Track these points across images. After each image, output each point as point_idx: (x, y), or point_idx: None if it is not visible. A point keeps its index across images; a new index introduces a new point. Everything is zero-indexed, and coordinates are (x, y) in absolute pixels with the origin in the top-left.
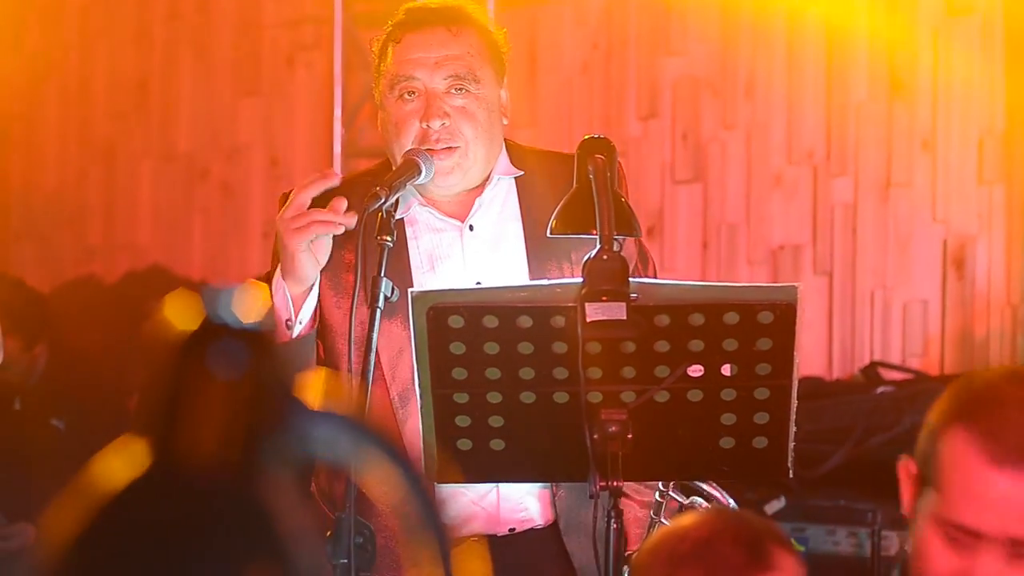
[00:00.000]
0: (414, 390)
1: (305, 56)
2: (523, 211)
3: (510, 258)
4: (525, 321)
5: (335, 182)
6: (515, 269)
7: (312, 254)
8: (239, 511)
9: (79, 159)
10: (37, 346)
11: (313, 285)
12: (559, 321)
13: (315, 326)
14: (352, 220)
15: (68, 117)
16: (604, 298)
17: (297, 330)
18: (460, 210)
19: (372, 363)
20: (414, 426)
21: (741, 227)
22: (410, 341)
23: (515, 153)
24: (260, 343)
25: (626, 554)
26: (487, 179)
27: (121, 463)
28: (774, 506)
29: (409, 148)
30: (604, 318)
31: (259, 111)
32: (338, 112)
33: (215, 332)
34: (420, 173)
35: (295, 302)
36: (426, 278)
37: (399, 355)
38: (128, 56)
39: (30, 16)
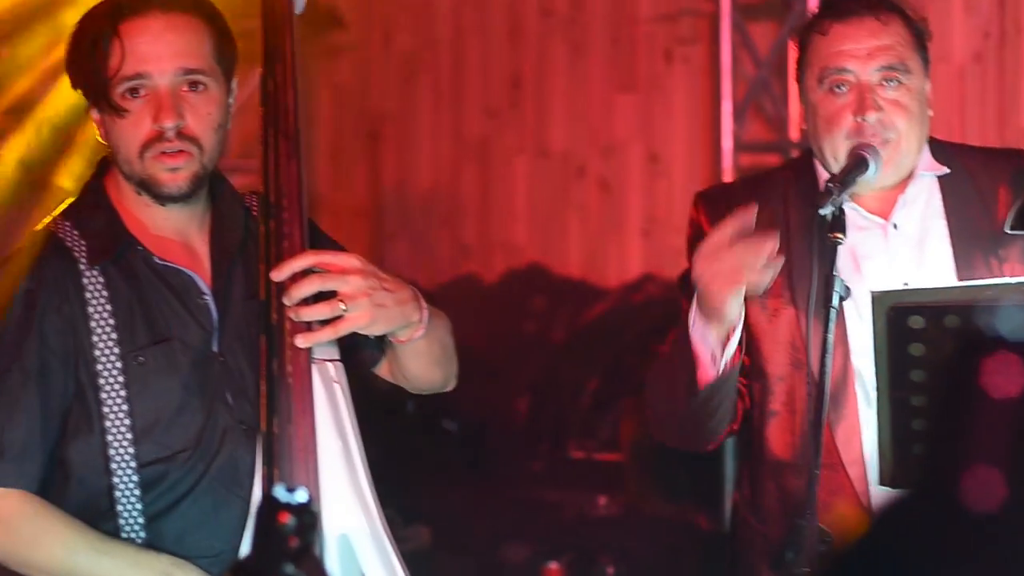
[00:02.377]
0: (846, 391)
1: (683, 50)
2: (947, 208)
3: (935, 257)
4: None
5: (753, 215)
6: (941, 268)
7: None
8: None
9: (453, 157)
10: None
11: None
12: None
13: (741, 357)
14: (772, 246)
15: (441, 115)
16: None
17: (722, 366)
18: (882, 207)
19: (829, 365)
20: (847, 428)
21: None
22: (840, 341)
23: (937, 148)
24: None
25: None
26: (909, 175)
27: None
28: None
29: (855, 143)
30: None
31: (636, 107)
32: (727, 106)
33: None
34: (868, 168)
35: (719, 340)
36: (852, 278)
37: (827, 356)
38: (502, 53)
39: (402, 15)
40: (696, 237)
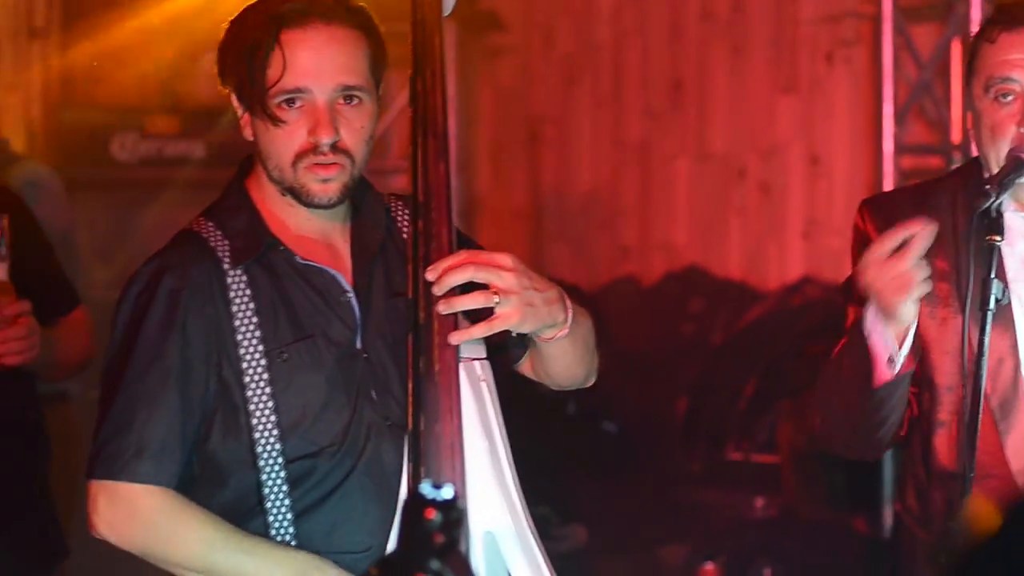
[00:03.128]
0: (1016, 401)
1: (845, 52)
2: None
3: None
4: None
5: (918, 230)
6: None
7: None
8: None
9: (613, 160)
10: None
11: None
12: None
13: (914, 362)
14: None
15: (601, 117)
16: None
17: (898, 367)
18: None
19: (984, 367)
20: (1017, 439)
21: None
22: (1011, 350)
23: None
24: None
25: None
26: None
27: None
28: None
29: (1012, 147)
30: None
31: (797, 108)
32: (888, 109)
33: None
34: None
35: (897, 339)
36: (1021, 286)
37: (1000, 364)
38: (662, 55)
39: (562, 18)
40: (861, 245)
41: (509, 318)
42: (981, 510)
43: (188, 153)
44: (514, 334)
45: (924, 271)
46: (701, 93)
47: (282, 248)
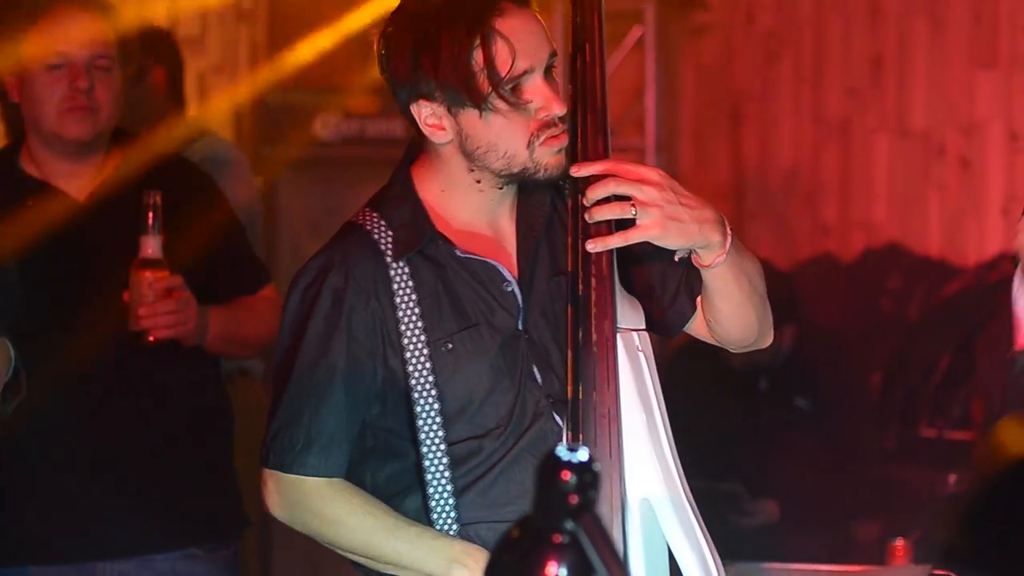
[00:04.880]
0: None
1: None
2: None
3: None
4: None
5: None
6: None
7: None
8: None
9: (813, 137)
10: (785, 326)
11: None
12: None
13: None
14: None
15: (802, 94)
16: None
17: None
18: None
19: None
20: None
21: None
22: None
23: None
24: None
25: None
26: None
27: None
28: None
29: None
30: None
31: (997, 84)
32: None
33: None
34: None
35: None
36: None
37: None
38: (862, 31)
39: None
40: None
41: (648, 230)
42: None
43: (389, 133)
44: (676, 259)
45: None
46: (901, 69)
47: (443, 241)
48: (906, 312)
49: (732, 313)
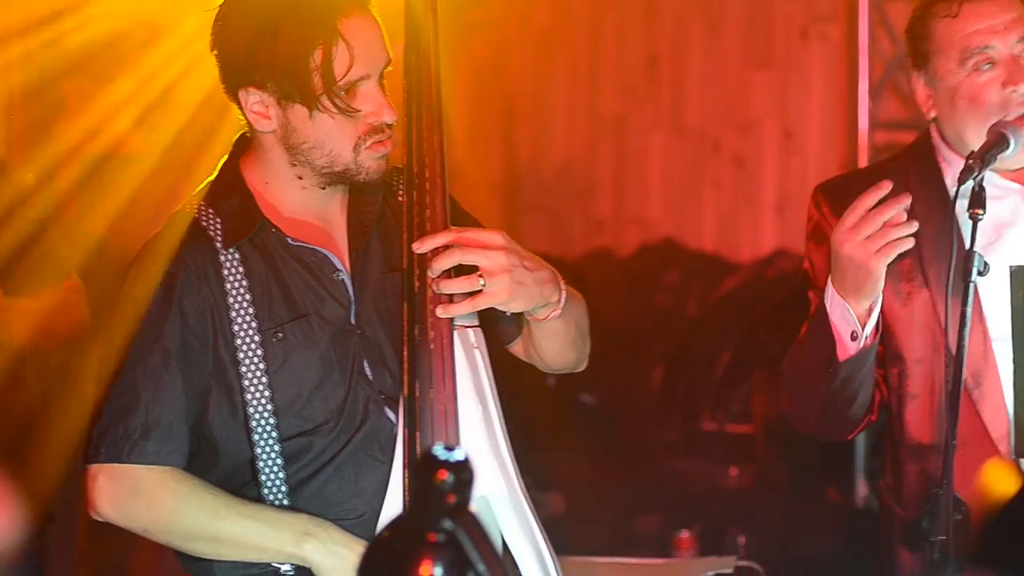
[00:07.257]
0: (988, 369)
1: (820, 28)
2: None
3: None
4: None
5: (888, 189)
6: None
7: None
8: None
9: (588, 133)
10: None
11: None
12: None
13: (879, 334)
14: (914, 227)
15: (577, 92)
16: None
17: (863, 341)
18: (1017, 175)
19: (966, 338)
20: (993, 405)
21: None
22: (978, 320)
23: None
24: None
25: None
26: None
27: None
28: None
29: (996, 121)
30: None
31: (771, 84)
32: (864, 85)
33: None
34: (1008, 145)
35: (859, 317)
36: (992, 248)
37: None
38: (638, 29)
39: None
40: (816, 231)
41: (496, 296)
42: (999, 474)
43: None
44: (508, 313)
45: (906, 227)
46: (676, 67)
47: (273, 229)
48: (684, 307)
49: (556, 352)
